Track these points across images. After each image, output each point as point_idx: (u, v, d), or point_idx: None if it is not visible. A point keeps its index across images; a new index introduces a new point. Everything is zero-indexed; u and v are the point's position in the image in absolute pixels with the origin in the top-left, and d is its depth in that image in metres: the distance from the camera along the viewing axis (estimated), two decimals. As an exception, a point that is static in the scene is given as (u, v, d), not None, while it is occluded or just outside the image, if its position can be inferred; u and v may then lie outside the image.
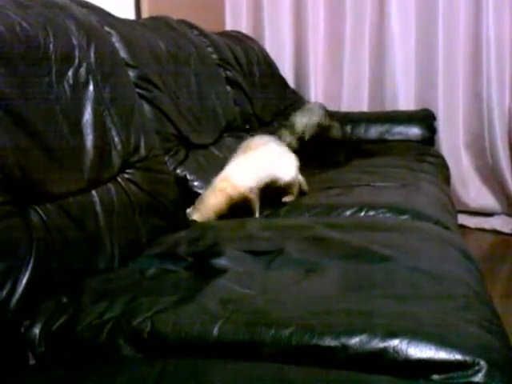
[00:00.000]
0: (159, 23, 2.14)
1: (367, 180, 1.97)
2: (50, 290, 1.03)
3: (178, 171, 1.69)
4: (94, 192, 1.30)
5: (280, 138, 2.18)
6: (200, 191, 1.68)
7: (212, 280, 1.02)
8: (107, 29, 1.67)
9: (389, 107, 3.13)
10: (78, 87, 1.36)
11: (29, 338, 0.92)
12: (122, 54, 1.66)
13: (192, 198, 1.64)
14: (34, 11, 1.33)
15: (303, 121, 2.42)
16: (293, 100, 3.09)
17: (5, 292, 0.93)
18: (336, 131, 2.49)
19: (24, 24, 1.26)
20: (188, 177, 1.69)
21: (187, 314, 0.90)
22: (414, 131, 2.94)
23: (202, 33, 2.40)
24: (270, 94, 2.89)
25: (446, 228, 1.49)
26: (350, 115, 3.09)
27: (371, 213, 1.56)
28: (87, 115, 1.36)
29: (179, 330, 0.86)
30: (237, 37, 2.91)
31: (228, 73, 2.41)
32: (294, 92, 3.20)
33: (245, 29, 3.18)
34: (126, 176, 1.44)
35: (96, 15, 1.68)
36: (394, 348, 0.79)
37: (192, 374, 0.70)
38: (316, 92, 3.24)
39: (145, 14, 2.35)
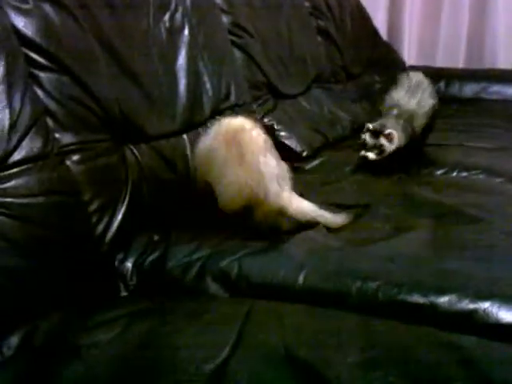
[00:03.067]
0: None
1: (461, 139, 1.88)
2: (142, 227, 1.07)
3: (266, 120, 1.68)
4: (185, 136, 1.33)
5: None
6: (287, 141, 1.67)
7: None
8: (202, -28, 1.65)
9: (487, 64, 2.95)
10: (174, 31, 1.38)
11: (122, 271, 0.97)
12: (216, -1, 1.65)
13: (278, 147, 1.64)
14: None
15: (412, 105, 1.52)
16: (385, 53, 2.98)
17: (101, 226, 0.98)
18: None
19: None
20: (275, 126, 1.69)
21: (273, 259, 0.91)
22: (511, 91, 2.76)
23: (295, -21, 2.34)
24: (362, 45, 2.78)
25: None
26: (444, 71, 2.93)
27: (464, 173, 1.50)
28: (181, 59, 1.38)
29: (265, 274, 0.88)
30: (329, -15, 2.81)
31: (320, 22, 2.34)
32: (386, 44, 3.07)
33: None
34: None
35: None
36: (484, 310, 0.77)
37: (278, 316, 0.72)
38: (409, 45, 3.10)
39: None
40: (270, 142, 1.07)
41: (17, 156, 0.81)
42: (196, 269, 0.92)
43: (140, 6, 1.29)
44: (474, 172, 1.50)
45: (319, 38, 2.32)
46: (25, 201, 0.80)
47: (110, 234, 0.99)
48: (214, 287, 0.89)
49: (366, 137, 1.42)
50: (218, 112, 1.47)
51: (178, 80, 1.35)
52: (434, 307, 0.78)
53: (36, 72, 0.93)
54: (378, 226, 1.05)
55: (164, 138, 1.25)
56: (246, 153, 1.00)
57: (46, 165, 0.85)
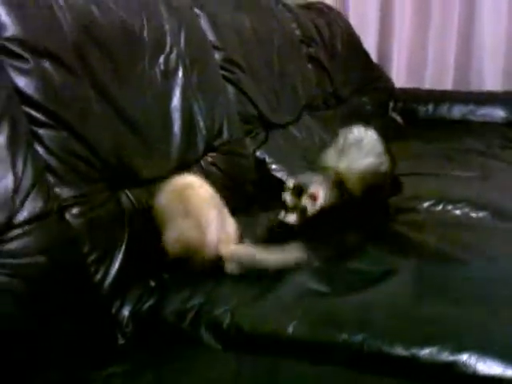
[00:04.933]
0: (246, 0, 2.15)
1: (447, 168, 1.94)
2: (139, 272, 1.11)
3: (258, 153, 1.73)
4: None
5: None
6: (278, 174, 1.71)
7: (288, 273, 1.07)
8: (197, 10, 1.70)
9: (474, 87, 3.01)
10: (169, 73, 1.42)
11: (118, 319, 1.01)
12: (210, 36, 1.70)
13: (270, 180, 1.69)
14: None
15: (342, 166, 1.31)
16: (375, 75, 3.05)
17: (99, 275, 1.02)
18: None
19: (121, 12, 1.32)
20: (267, 160, 1.73)
21: (263, 309, 0.95)
22: (499, 113, 2.83)
23: (286, 7, 2.40)
24: (352, 69, 2.84)
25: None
26: (433, 93, 3.00)
27: (449, 207, 1.55)
28: (175, 100, 1.42)
29: (256, 325, 0.92)
30: (321, 9, 2.87)
31: (310, 49, 2.40)
32: (376, 67, 3.14)
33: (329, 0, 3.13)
34: (209, 159, 1.51)
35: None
36: (463, 362, 0.81)
37: (267, 373, 0.76)
38: (399, 67, 3.17)
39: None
40: (217, 199, 1.19)
41: (20, 217, 0.85)
42: (190, 316, 0.97)
43: (136, 51, 1.33)
44: (458, 205, 1.55)
45: (310, 66, 2.38)
46: (28, 260, 0.85)
47: (107, 283, 1.03)
48: (207, 337, 0.93)
49: (287, 197, 1.22)
50: (211, 149, 1.52)
51: (172, 121, 1.39)
52: (415, 359, 0.82)
53: (36, 129, 0.98)
54: (363, 268, 1.10)
55: (158, 179, 1.30)
56: (190, 207, 1.13)
57: (48, 222, 0.90)
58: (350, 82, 2.78)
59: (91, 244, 1.02)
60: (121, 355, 0.91)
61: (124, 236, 1.11)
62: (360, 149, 1.33)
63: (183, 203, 1.14)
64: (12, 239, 0.84)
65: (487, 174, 1.89)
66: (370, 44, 3.16)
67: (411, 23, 3.11)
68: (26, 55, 0.99)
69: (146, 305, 1.03)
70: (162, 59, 1.41)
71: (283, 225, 1.22)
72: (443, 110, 2.91)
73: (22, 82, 0.98)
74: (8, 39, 0.97)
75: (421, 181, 1.82)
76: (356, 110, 2.74)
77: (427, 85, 3.10)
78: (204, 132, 1.49)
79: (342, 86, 2.64)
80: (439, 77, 3.10)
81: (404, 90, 3.12)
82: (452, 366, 0.81)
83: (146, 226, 1.17)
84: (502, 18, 2.93)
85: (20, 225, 0.85)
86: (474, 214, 1.51)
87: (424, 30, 3.10)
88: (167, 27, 1.45)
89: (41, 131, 0.98)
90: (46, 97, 1.00)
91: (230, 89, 1.73)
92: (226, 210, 1.19)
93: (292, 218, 1.21)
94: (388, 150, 1.38)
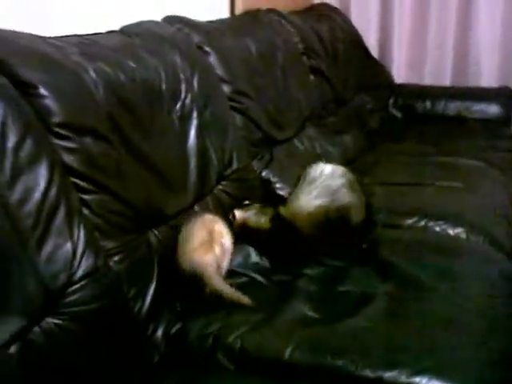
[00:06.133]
0: (249, 21, 2.35)
1: (433, 177, 2.16)
2: (168, 298, 1.37)
3: (263, 174, 1.97)
4: (196, 207, 1.62)
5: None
6: (282, 193, 1.95)
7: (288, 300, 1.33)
8: (206, 48, 1.91)
9: (472, 83, 3.18)
10: (184, 117, 1.65)
11: (153, 340, 1.28)
12: (219, 71, 1.91)
13: (275, 198, 1.93)
14: (146, 52, 1.59)
15: (299, 202, 1.53)
16: (375, 72, 3.23)
17: (137, 307, 1.28)
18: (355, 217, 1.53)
19: (141, 70, 1.53)
20: (271, 179, 1.97)
21: (267, 335, 1.22)
22: (493, 109, 3.01)
23: (289, 21, 2.58)
24: (353, 69, 3.03)
25: (499, 244, 1.70)
26: (430, 90, 3.18)
27: (430, 223, 1.78)
28: (191, 141, 1.65)
29: (260, 349, 1.19)
30: (323, 13, 3.05)
31: (312, 61, 2.59)
32: (376, 63, 3.32)
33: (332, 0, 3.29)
34: (220, 187, 1.75)
35: (197, 34, 1.93)
36: None
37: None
38: (399, 64, 3.34)
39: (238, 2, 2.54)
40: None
41: (78, 275, 1.10)
42: (210, 342, 1.23)
43: (156, 104, 1.55)
44: (440, 222, 1.79)
45: (312, 77, 2.58)
46: (84, 307, 1.10)
47: (143, 312, 1.29)
48: (222, 359, 1.20)
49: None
50: (223, 178, 1.76)
51: (189, 160, 1.62)
52: (380, 381, 1.08)
53: (83, 196, 1.23)
54: (347, 294, 1.36)
55: (179, 214, 1.55)
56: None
57: (98, 274, 1.15)
58: (351, 83, 2.97)
59: (129, 283, 1.28)
60: (156, 377, 1.18)
61: (154, 271, 1.37)
62: (317, 187, 1.49)
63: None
64: (72, 293, 1.09)
65: (473, 185, 2.11)
66: (371, 41, 3.33)
67: (411, 22, 3.26)
68: (72, 135, 1.23)
69: (174, 328, 1.30)
70: (178, 106, 1.63)
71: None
72: (440, 106, 3.11)
73: (69, 158, 1.21)
74: (58, 125, 1.21)
75: (409, 192, 2.06)
76: (357, 111, 2.95)
77: (426, 81, 3.28)
78: (216, 164, 1.72)
79: (343, 89, 2.84)
80: (438, 73, 3.27)
81: (404, 86, 3.31)
82: (412, 388, 1.07)
83: (172, 258, 1.42)
84: (497, 17, 3.08)
85: (78, 281, 1.10)
86: (451, 231, 1.75)
87: (423, 27, 3.26)
88: (182, 76, 1.67)
89: (86, 197, 1.23)
90: (88, 167, 1.24)
91: (238, 118, 1.94)
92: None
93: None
94: (357, 187, 1.52)
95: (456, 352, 1.14)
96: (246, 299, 1.33)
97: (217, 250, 1.42)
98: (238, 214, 1.60)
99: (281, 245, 1.53)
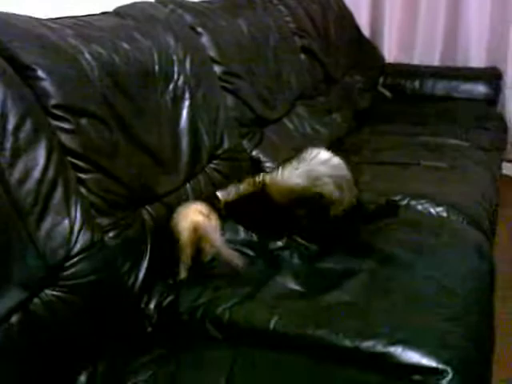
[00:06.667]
0: (242, 1, 2.37)
1: (419, 156, 2.23)
2: (160, 272, 1.44)
3: (254, 153, 2.03)
4: (187, 185, 1.68)
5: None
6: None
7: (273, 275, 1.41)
8: (199, 29, 1.95)
9: (461, 62, 3.23)
10: (177, 98, 1.70)
11: (146, 312, 1.36)
12: (211, 52, 1.96)
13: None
14: (139, 33, 1.63)
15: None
16: (366, 51, 3.27)
17: (131, 281, 1.35)
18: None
19: (135, 52, 1.58)
20: (261, 158, 2.03)
21: (253, 307, 1.29)
22: (480, 89, 3.07)
23: (281, 1, 2.61)
24: (344, 48, 3.07)
25: (477, 223, 1.77)
26: (419, 70, 3.23)
27: (413, 202, 1.86)
28: (183, 122, 1.71)
29: (247, 321, 1.26)
30: (316, -8, 3.06)
31: (303, 41, 2.63)
32: (367, 42, 3.35)
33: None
34: (212, 166, 1.81)
35: (190, 15, 1.96)
36: (393, 353, 1.15)
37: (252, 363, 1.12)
38: (390, 42, 3.38)
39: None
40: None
41: (75, 250, 1.17)
42: (200, 313, 1.31)
43: (150, 85, 1.60)
44: (422, 201, 1.86)
45: (303, 56, 2.62)
46: (81, 280, 1.18)
47: (137, 285, 1.37)
48: (211, 329, 1.27)
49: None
50: (214, 157, 1.82)
51: (181, 141, 1.68)
52: (357, 350, 1.16)
53: (80, 175, 1.29)
54: (330, 270, 1.43)
55: (171, 192, 1.61)
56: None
57: (94, 249, 1.22)
58: (342, 63, 3.01)
59: (123, 257, 1.35)
60: (148, 344, 1.26)
61: (147, 245, 1.44)
62: (298, 167, 1.55)
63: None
64: (70, 267, 1.16)
65: (456, 164, 2.18)
66: (362, 21, 3.36)
67: (402, 1, 3.29)
68: (69, 117, 1.28)
69: (167, 300, 1.37)
70: (171, 87, 1.68)
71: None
72: (428, 86, 3.16)
73: (66, 139, 1.27)
74: (55, 107, 1.26)
75: (395, 171, 2.13)
76: (347, 90, 2.99)
77: (416, 60, 3.32)
78: (207, 144, 1.78)
79: (333, 69, 2.88)
80: (428, 52, 3.31)
81: (393, 66, 3.35)
82: (384, 356, 1.15)
83: (164, 235, 1.49)
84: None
85: (75, 255, 1.17)
86: (432, 210, 1.82)
87: (414, 8, 3.30)
88: (174, 58, 1.71)
89: (83, 176, 1.29)
90: (85, 148, 1.30)
91: (230, 98, 1.99)
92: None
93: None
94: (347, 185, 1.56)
95: (431, 325, 1.22)
96: (240, 260, 1.40)
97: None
98: (221, 194, 1.63)
99: (256, 210, 1.59)
